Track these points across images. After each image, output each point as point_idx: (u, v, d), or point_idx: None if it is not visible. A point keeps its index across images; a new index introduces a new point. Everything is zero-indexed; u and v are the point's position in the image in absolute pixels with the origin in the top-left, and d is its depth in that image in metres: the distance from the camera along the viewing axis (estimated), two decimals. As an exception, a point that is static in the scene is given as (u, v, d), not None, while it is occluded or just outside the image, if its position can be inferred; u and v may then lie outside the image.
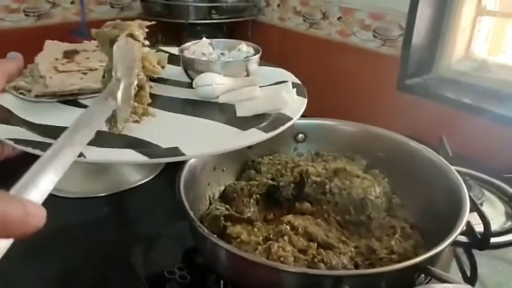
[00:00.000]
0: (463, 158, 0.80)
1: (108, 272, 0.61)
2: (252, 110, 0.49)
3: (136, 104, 0.46)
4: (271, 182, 0.60)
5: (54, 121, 0.46)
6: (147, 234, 0.70)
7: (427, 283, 0.44)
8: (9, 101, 0.47)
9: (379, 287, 0.40)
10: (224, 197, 0.59)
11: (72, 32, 1.26)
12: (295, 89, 0.53)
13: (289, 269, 0.41)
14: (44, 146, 0.38)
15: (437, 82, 1.04)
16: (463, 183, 0.51)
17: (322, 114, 0.69)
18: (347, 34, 1.14)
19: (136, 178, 0.83)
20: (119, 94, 0.41)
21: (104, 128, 0.43)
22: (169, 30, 1.22)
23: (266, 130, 0.45)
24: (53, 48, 0.62)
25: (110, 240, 0.67)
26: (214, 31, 1.26)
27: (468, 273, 0.59)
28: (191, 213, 0.44)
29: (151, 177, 0.83)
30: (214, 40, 0.64)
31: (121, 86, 0.42)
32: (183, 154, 0.40)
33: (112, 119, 0.42)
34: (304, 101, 0.52)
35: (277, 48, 1.32)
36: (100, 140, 0.42)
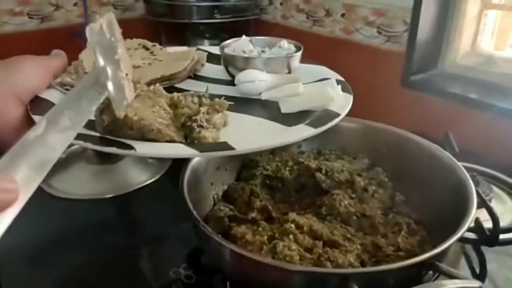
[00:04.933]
0: (470, 153, 0.79)
1: (113, 273, 0.61)
2: (297, 106, 0.48)
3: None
4: (265, 172, 0.60)
5: None
6: (153, 234, 0.70)
7: (435, 279, 0.43)
8: (56, 97, 0.48)
9: (387, 284, 0.39)
10: (227, 197, 0.59)
11: (75, 34, 1.26)
12: (339, 86, 0.52)
13: (295, 268, 0.41)
14: (96, 141, 0.40)
15: (442, 78, 1.03)
16: (469, 178, 0.50)
17: (327, 111, 0.68)
18: (351, 31, 1.13)
19: (142, 179, 0.82)
20: (109, 84, 0.40)
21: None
22: (172, 30, 1.23)
23: (314, 125, 0.44)
24: None
25: (116, 241, 0.67)
26: (217, 31, 1.26)
27: (477, 270, 0.58)
28: (195, 212, 0.44)
29: (157, 177, 0.83)
30: (254, 38, 0.63)
31: (109, 74, 0.40)
32: (233, 149, 0.39)
33: (103, 109, 0.41)
34: (350, 97, 0.51)
35: (280, 47, 1.32)
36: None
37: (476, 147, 0.83)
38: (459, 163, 0.54)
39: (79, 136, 0.39)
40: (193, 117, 0.42)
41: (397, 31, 1.03)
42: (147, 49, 0.65)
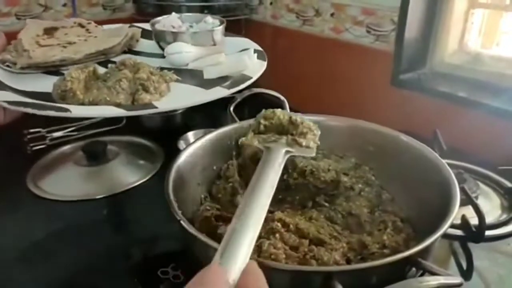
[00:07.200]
0: (458, 151, 0.79)
1: (102, 273, 0.61)
2: (218, 73, 0.55)
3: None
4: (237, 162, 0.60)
5: (41, 88, 0.53)
6: (142, 235, 0.70)
7: (419, 276, 0.44)
8: None
9: (370, 282, 0.40)
10: (213, 197, 0.59)
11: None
12: (256, 54, 0.60)
13: (277, 267, 0.41)
14: (35, 106, 0.46)
15: (431, 77, 1.03)
16: (453, 175, 0.51)
17: (316, 111, 0.68)
18: (340, 30, 1.14)
19: (132, 180, 0.82)
20: None
21: None
22: (162, 30, 1.22)
23: (228, 87, 0.52)
24: (34, 26, 0.66)
25: (104, 242, 0.67)
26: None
27: (465, 267, 0.59)
28: (179, 212, 0.44)
29: (147, 178, 0.83)
30: (184, 15, 0.71)
31: None
32: (155, 107, 0.48)
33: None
34: (264, 63, 0.59)
35: (271, 46, 1.32)
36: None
37: (464, 145, 0.83)
38: (444, 161, 0.54)
39: (22, 104, 0.46)
40: (144, 83, 0.51)
41: (386, 30, 1.03)
42: (83, 27, 0.69)
